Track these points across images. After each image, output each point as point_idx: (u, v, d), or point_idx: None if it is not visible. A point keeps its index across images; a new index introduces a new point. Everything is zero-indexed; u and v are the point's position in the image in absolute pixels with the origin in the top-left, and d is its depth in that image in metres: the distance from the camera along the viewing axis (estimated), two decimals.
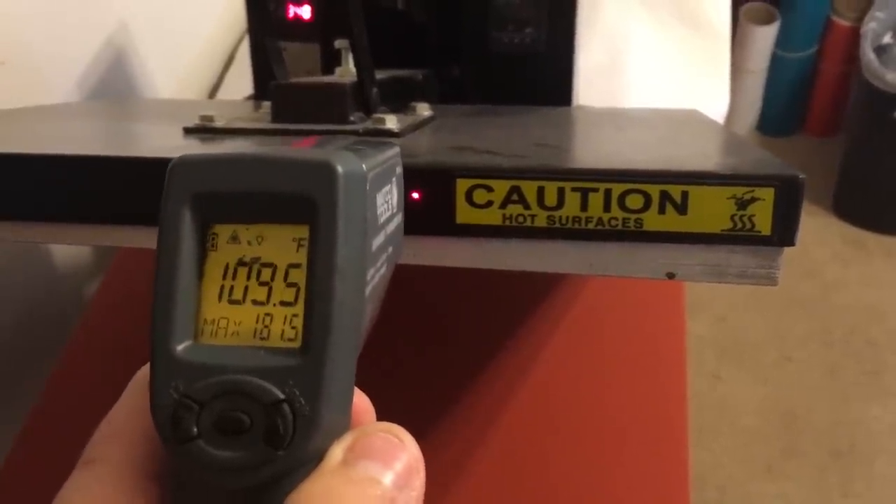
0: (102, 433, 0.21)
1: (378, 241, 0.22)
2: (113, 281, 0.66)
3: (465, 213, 0.30)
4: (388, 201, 0.24)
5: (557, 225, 0.30)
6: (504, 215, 0.30)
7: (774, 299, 1.63)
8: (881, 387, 1.44)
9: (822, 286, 1.69)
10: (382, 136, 0.40)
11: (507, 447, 0.51)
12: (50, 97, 0.66)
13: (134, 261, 0.67)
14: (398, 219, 0.25)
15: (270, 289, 0.20)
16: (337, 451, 0.19)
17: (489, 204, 0.30)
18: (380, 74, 0.46)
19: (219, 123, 0.42)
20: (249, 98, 0.67)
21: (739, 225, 0.29)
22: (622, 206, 0.29)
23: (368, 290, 0.21)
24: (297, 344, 0.19)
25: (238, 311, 0.20)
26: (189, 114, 0.43)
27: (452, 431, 0.52)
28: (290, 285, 0.20)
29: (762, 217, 0.28)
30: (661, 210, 0.29)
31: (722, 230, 0.29)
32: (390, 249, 0.24)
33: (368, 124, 0.41)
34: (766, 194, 0.28)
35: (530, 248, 0.31)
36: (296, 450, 0.19)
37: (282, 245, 0.20)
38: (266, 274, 0.20)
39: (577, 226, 0.30)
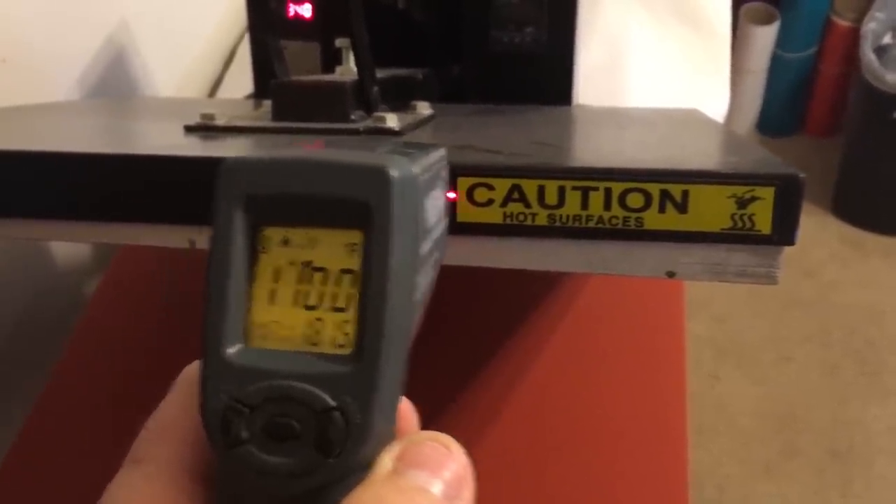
0: (150, 431, 0.21)
1: (427, 246, 0.22)
2: (113, 278, 0.66)
3: (465, 212, 0.30)
4: (436, 205, 0.23)
5: (558, 223, 0.30)
6: (505, 214, 0.30)
7: (773, 299, 1.63)
8: (880, 387, 1.45)
9: (820, 286, 1.69)
10: (383, 134, 0.40)
11: (506, 445, 0.51)
12: (51, 95, 0.66)
13: (134, 258, 0.67)
14: (444, 222, 0.25)
15: (322, 294, 0.20)
16: (386, 460, 0.19)
17: (490, 202, 0.30)
18: (380, 73, 0.46)
19: (219, 122, 0.42)
20: (250, 97, 0.67)
21: (739, 224, 0.29)
22: (623, 205, 0.29)
23: (418, 295, 0.21)
24: (348, 350, 0.19)
25: (289, 315, 0.20)
26: (190, 112, 0.44)
27: (451, 429, 0.52)
28: (341, 290, 0.20)
29: (762, 216, 0.28)
30: (662, 209, 0.29)
31: (722, 229, 0.29)
32: (436, 254, 0.24)
33: (369, 123, 0.42)
34: (767, 193, 0.28)
35: (531, 246, 0.31)
36: (346, 457, 0.18)
37: (334, 249, 0.20)
38: (317, 278, 0.20)
39: (577, 224, 0.30)
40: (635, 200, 0.29)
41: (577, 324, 0.58)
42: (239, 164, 0.20)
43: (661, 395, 0.54)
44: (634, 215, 0.29)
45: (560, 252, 0.30)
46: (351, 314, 0.19)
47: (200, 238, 0.33)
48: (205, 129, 0.42)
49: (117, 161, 0.33)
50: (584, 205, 0.29)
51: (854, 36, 1.89)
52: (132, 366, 0.58)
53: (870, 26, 1.78)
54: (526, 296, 0.60)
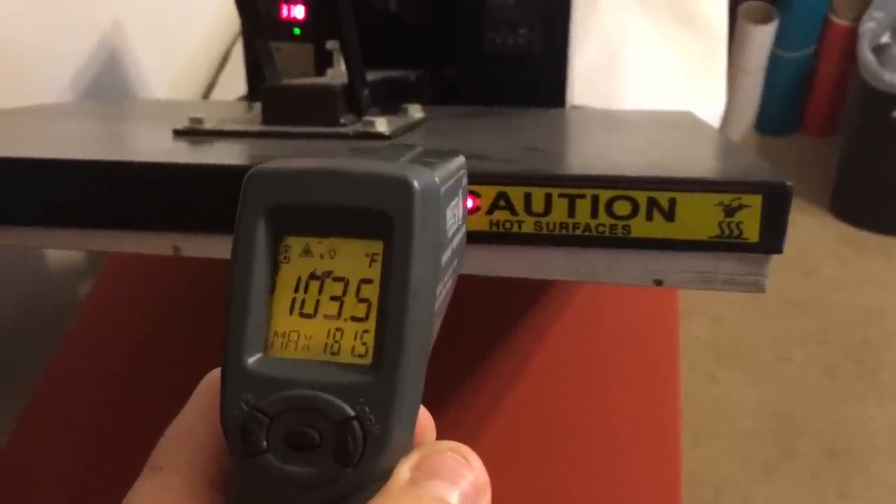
0: (170, 439, 0.21)
1: (446, 256, 0.22)
2: (104, 284, 0.66)
3: None
4: (455, 215, 0.23)
5: (545, 231, 0.30)
6: (491, 221, 0.30)
7: (771, 300, 1.63)
8: (878, 387, 1.44)
9: (818, 286, 1.69)
10: (372, 138, 0.40)
11: (501, 448, 0.51)
12: (42, 97, 0.65)
13: (124, 263, 0.67)
14: (462, 231, 0.25)
15: (342, 303, 0.20)
16: (404, 470, 0.19)
17: (476, 210, 0.30)
18: (372, 76, 0.45)
19: (208, 125, 0.42)
20: (243, 98, 0.67)
21: (727, 232, 0.28)
22: (610, 213, 0.29)
23: (436, 305, 0.21)
24: (367, 360, 0.19)
25: (309, 324, 0.20)
26: (180, 115, 0.43)
27: (446, 434, 0.51)
28: (361, 301, 0.20)
29: (750, 224, 0.28)
30: (649, 217, 0.29)
31: (709, 237, 0.29)
32: (455, 263, 0.24)
33: (358, 126, 0.41)
34: (754, 201, 0.28)
35: (518, 254, 0.30)
36: (364, 468, 0.18)
37: (354, 260, 0.20)
38: (338, 288, 0.20)
39: (564, 232, 0.30)
40: (622, 208, 0.29)
41: (571, 328, 0.57)
42: (262, 174, 0.20)
43: (656, 398, 0.54)
44: (622, 223, 0.29)
45: (547, 260, 0.30)
46: (370, 324, 0.19)
47: (185, 245, 0.32)
48: (193, 133, 0.42)
49: (100, 167, 0.33)
50: (571, 212, 0.29)
51: (852, 35, 1.88)
52: (123, 368, 0.58)
53: (868, 25, 1.77)
54: (520, 301, 0.59)
